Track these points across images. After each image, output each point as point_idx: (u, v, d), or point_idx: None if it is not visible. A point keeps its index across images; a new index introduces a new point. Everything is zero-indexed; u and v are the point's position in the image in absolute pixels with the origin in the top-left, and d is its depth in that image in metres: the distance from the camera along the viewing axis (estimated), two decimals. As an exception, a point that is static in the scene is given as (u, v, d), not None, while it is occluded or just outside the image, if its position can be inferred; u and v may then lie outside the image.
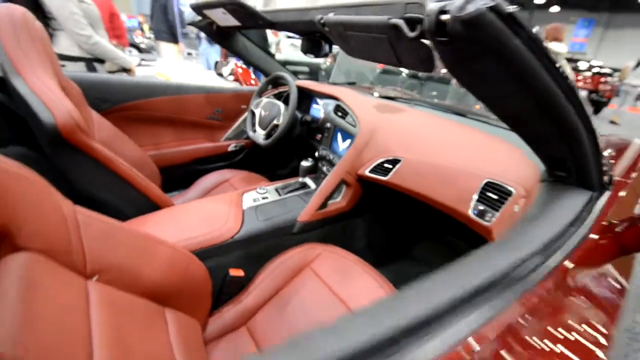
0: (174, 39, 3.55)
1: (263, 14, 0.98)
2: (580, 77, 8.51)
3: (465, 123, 1.18)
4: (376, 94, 1.56)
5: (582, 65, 9.06)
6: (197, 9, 1.25)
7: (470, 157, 0.95)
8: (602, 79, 8.50)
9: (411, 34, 0.49)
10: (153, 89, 1.46)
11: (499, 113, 0.59)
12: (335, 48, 1.10)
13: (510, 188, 0.78)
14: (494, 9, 0.37)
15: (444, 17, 0.38)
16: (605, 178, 0.70)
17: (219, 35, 1.48)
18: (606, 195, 0.70)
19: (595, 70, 8.79)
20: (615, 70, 11.02)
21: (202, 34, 4.00)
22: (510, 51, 0.41)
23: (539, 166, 0.78)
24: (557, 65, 0.45)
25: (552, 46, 3.40)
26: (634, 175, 0.86)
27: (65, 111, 0.77)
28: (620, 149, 1.05)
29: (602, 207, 0.68)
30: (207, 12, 1.22)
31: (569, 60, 9.53)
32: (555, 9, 23.44)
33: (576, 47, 23.88)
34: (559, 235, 0.58)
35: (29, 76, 0.81)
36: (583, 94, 1.17)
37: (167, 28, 3.46)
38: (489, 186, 0.82)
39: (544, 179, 0.76)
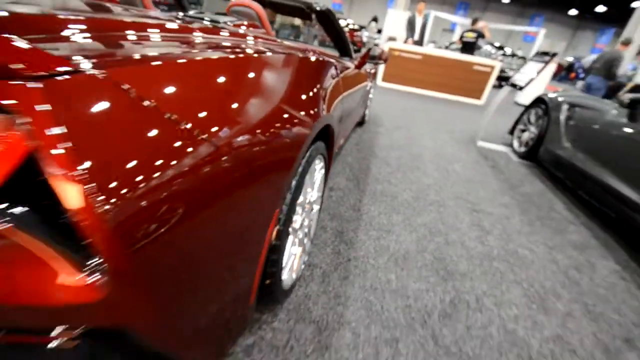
0: None
1: None
2: (342, 32, 11.70)
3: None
4: None
5: (342, 22, 12.35)
6: None
7: None
8: (355, 33, 12.03)
9: (307, 10, 1.84)
10: None
11: (330, 39, 2.03)
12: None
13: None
14: (326, 9, 1.77)
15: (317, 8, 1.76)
16: (353, 55, 2.27)
17: None
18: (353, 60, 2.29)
19: (350, 27, 12.29)
20: (362, 27, 15.43)
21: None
22: (331, 20, 1.84)
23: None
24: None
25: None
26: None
27: None
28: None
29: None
30: None
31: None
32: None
33: (336, 7, 29.72)
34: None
35: None
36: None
37: None
38: None
39: (338, 55, 2.25)
